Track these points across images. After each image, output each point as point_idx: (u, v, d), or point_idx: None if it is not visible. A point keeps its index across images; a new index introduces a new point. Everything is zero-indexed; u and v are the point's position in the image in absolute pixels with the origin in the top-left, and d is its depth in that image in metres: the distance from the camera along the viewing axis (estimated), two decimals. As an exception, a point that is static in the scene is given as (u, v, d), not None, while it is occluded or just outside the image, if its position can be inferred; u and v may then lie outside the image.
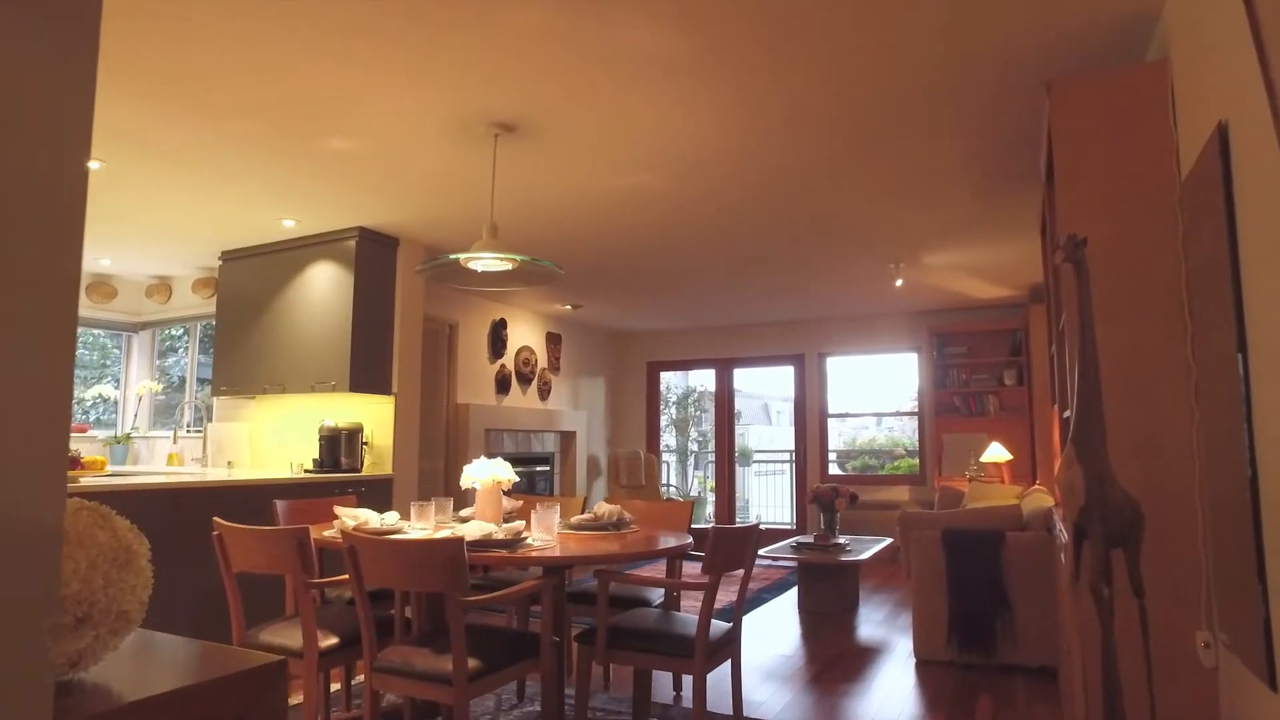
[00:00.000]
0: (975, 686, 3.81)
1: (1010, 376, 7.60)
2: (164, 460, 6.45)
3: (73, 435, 6.60)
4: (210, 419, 6.17)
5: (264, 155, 3.84)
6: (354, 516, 3.04)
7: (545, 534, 2.97)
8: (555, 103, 3.26)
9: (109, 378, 7.52)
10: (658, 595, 3.59)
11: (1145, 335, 2.14)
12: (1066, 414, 2.74)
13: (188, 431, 6.67)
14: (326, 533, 2.98)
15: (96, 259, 6.15)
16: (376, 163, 3.95)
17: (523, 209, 4.69)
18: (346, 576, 2.54)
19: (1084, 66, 2.83)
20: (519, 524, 2.93)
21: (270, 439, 5.72)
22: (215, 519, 2.81)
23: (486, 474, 3.21)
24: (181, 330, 7.24)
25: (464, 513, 3.56)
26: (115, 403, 7.25)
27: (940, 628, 4.14)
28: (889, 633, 4.91)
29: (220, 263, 5.77)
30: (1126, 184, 2.22)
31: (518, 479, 3.31)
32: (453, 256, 3.28)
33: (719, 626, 2.91)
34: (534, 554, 2.66)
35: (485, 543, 2.69)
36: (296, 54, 2.88)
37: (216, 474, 4.90)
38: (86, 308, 6.78)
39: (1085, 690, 2.13)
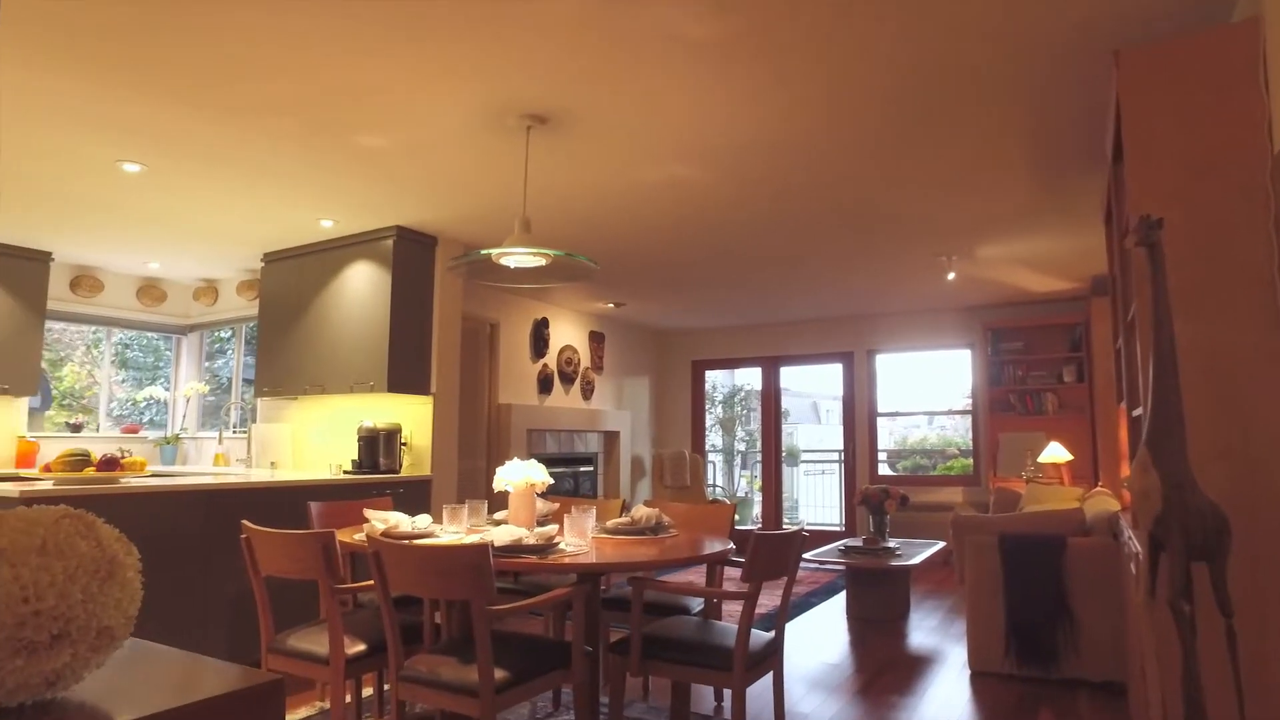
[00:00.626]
0: (1035, 701, 3.60)
1: (1070, 373, 7.28)
2: (211, 460, 6.52)
3: (124, 436, 6.72)
4: (255, 420, 6.22)
5: (297, 152, 3.80)
6: (384, 519, 2.98)
7: (579, 539, 2.86)
8: (587, 92, 3.15)
9: (161, 379, 7.65)
10: (697, 602, 3.46)
11: (1230, 326, 1.94)
12: (1136, 412, 2.53)
13: (234, 432, 6.74)
14: (357, 536, 2.91)
15: (145, 263, 6.24)
16: (410, 159, 3.89)
17: (558, 204, 4.60)
18: (372, 582, 2.46)
19: (1155, 33, 2.62)
20: (552, 528, 2.83)
21: (312, 439, 5.73)
22: (244, 522, 2.77)
23: (519, 476, 3.12)
24: (229, 332, 7.33)
25: (498, 515, 3.48)
26: (166, 404, 7.38)
27: (997, 638, 3.92)
28: (942, 641, 4.70)
29: (262, 264, 5.80)
30: (1207, 160, 2.01)
31: (552, 481, 3.21)
32: (485, 252, 3.20)
33: (760, 637, 2.77)
34: (566, 560, 2.56)
35: (515, 548, 2.59)
36: (322, 47, 2.81)
37: (259, 474, 4.91)
38: (137, 310, 6.90)
39: (1165, 717, 1.94)
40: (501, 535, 2.65)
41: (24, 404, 6.05)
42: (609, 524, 3.27)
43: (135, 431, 6.82)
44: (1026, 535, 3.89)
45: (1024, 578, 3.82)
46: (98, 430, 6.91)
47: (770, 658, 2.76)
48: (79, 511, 1.09)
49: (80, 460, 3.57)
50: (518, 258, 3.25)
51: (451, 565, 2.24)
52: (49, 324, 6.75)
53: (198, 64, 2.94)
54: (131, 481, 3.68)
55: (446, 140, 3.65)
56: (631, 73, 2.99)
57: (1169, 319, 1.69)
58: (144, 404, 7.46)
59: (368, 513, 3.03)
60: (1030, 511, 4.18)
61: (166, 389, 7.40)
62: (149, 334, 7.49)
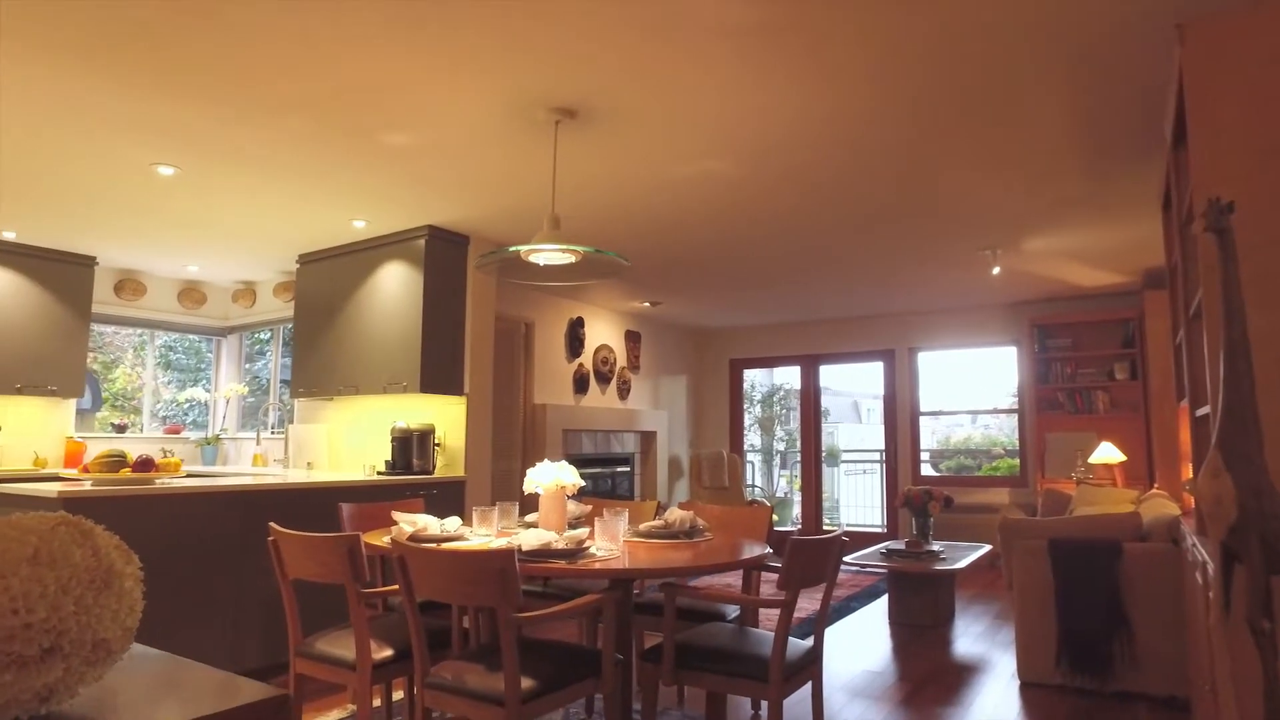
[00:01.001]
0: (1090, 715, 3.43)
1: (1122, 370, 7.01)
2: (250, 461, 6.58)
3: (167, 436, 6.82)
4: (293, 420, 6.25)
5: (324, 151, 3.78)
6: (412, 522, 2.92)
7: (610, 543, 2.78)
8: (617, 83, 3.07)
9: (204, 380, 7.76)
10: (734, 606, 3.35)
11: (1308, 317, 1.79)
12: (1202, 411, 2.38)
13: (272, 433, 6.79)
14: (385, 539, 2.87)
15: (185, 266, 6.31)
16: (437, 157, 3.85)
17: (589, 201, 4.52)
18: (397, 587, 2.41)
19: (1222, 6, 2.45)
20: (582, 532, 2.75)
21: (348, 440, 5.74)
22: (271, 524, 2.74)
23: (549, 478, 3.05)
24: (269, 334, 7.40)
25: (529, 518, 3.41)
26: (207, 405, 7.48)
27: (1048, 647, 3.75)
28: (989, 649, 4.53)
29: (298, 266, 5.83)
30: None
31: (583, 483, 3.13)
32: (513, 249, 3.13)
33: (798, 645, 2.66)
34: (596, 565, 2.48)
35: (543, 552, 2.52)
36: (343, 43, 2.77)
37: (296, 475, 4.92)
38: (179, 313, 6.99)
39: (1236, 740, 1.79)
40: (530, 539, 2.58)
41: (72, 405, 6.16)
42: (642, 527, 3.18)
43: (178, 432, 6.92)
44: (1079, 540, 3.72)
45: (1077, 584, 3.64)
46: (142, 431, 7.02)
47: (809, 667, 2.65)
48: (76, 519, 1.04)
49: (117, 461, 3.59)
50: (546, 254, 3.18)
51: (476, 571, 2.17)
52: (101, 328, 6.88)
53: (222, 63, 2.92)
54: (167, 482, 3.69)
55: (473, 136, 3.59)
56: (661, 62, 2.90)
57: (1241, 309, 1.55)
58: (186, 405, 7.58)
59: (396, 515, 2.98)
60: (1082, 515, 4.01)
61: (208, 390, 7.49)
62: (191, 336, 7.60)
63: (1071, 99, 3.19)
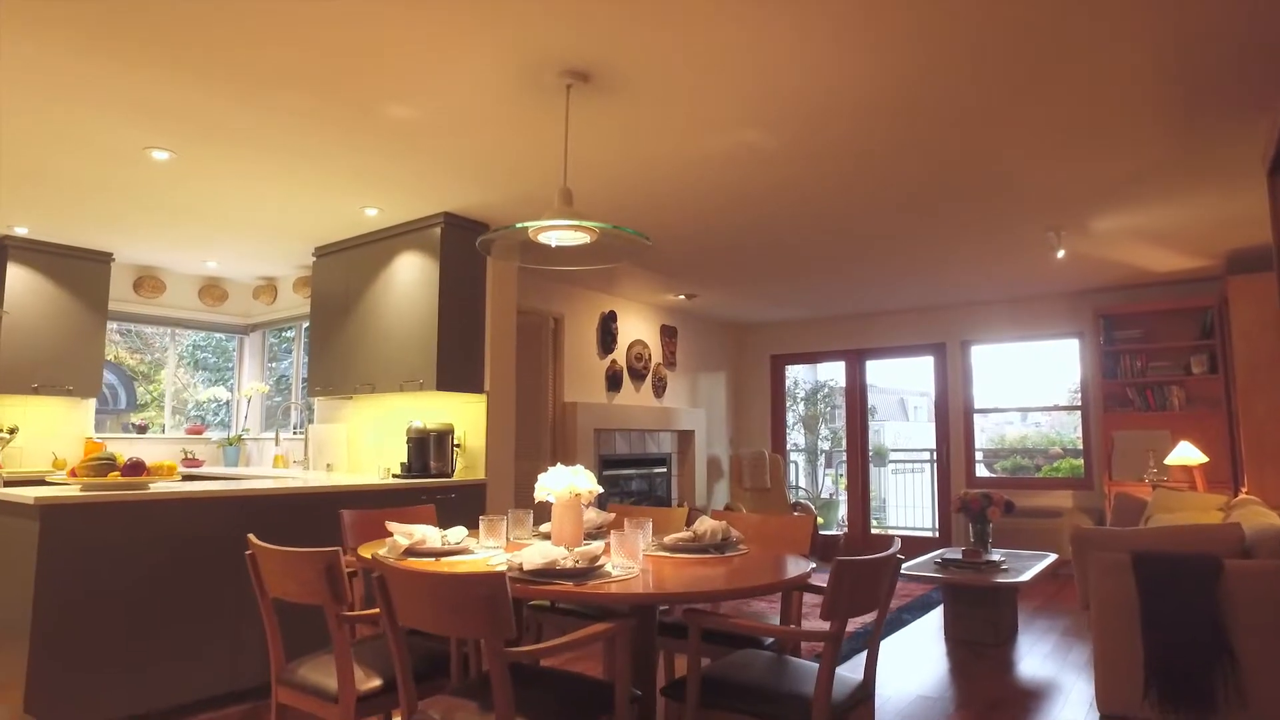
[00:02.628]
0: (1186, 755, 2.98)
1: (1199, 363, 6.44)
2: (271, 462, 6.37)
3: (188, 437, 6.65)
4: (313, 420, 6.02)
5: (323, 129, 3.48)
6: (408, 534, 2.61)
7: (628, 560, 2.43)
8: (634, 39, 2.71)
9: (231, 379, 7.61)
10: (772, 629, 2.98)
11: None
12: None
13: (293, 433, 6.58)
14: (379, 552, 2.56)
15: (202, 262, 6.12)
16: (444, 133, 3.52)
17: (607, 181, 4.15)
18: (377, 610, 2.09)
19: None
20: (597, 546, 2.40)
21: (368, 441, 5.48)
22: (250, 536, 2.44)
23: (563, 484, 2.71)
24: (293, 330, 7.21)
25: (544, 528, 3.08)
26: (230, 405, 7.31)
27: (1133, 675, 3.30)
28: (1059, 671, 4.08)
29: (314, 259, 5.59)
30: None
31: (600, 490, 2.79)
32: (520, 225, 2.80)
33: (846, 682, 2.28)
34: (610, 588, 2.13)
35: (547, 572, 2.18)
36: (338, 5, 2.46)
37: (315, 477, 4.67)
38: (200, 310, 6.82)
39: None
40: (533, 556, 2.24)
41: (91, 405, 6.01)
42: (667, 540, 2.82)
43: (199, 433, 6.75)
44: (1169, 554, 3.26)
45: (1167, 605, 3.19)
46: (164, 431, 6.87)
47: (859, 707, 2.27)
48: None
49: (105, 465, 3.34)
50: (558, 233, 2.84)
51: (460, 597, 1.84)
52: (142, 329, 6.74)
53: (205, 30, 2.62)
54: (159, 487, 3.43)
55: (480, 107, 3.26)
56: (687, 13, 2.53)
57: None
58: (211, 405, 7.42)
59: (390, 526, 2.67)
60: (1169, 525, 3.54)
61: (231, 390, 7.33)
62: (217, 335, 7.45)
63: (1157, 44, 2.75)
